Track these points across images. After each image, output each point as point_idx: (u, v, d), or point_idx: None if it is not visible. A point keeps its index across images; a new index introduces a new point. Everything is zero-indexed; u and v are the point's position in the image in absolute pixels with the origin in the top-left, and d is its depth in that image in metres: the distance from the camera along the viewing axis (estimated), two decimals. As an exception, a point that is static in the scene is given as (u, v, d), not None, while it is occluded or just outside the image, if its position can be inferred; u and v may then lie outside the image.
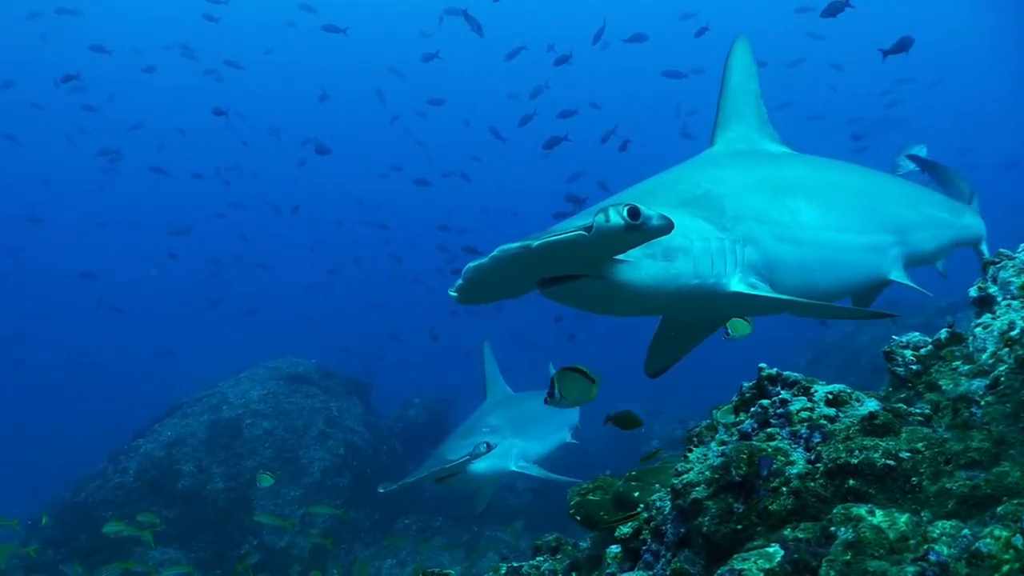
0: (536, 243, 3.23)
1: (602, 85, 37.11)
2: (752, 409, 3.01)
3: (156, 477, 12.50)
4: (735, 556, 2.29)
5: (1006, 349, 2.81)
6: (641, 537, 3.23)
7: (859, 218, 4.81)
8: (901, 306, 16.78)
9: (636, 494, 3.65)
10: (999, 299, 3.34)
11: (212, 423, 13.33)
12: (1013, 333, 2.87)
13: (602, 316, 3.97)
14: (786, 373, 3.07)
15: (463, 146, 34.88)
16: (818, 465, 2.49)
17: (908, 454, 2.37)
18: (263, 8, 44.43)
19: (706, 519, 2.60)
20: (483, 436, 8.55)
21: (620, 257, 3.43)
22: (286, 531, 11.48)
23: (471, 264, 3.39)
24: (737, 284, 3.89)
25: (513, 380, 10.81)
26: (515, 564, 4.27)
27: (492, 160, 35.06)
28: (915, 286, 5.09)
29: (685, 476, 2.84)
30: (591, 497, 3.89)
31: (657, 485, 3.58)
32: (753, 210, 4.20)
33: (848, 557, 2.00)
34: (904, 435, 2.45)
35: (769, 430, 2.81)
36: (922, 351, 3.31)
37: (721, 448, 2.93)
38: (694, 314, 4.35)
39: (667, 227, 3.24)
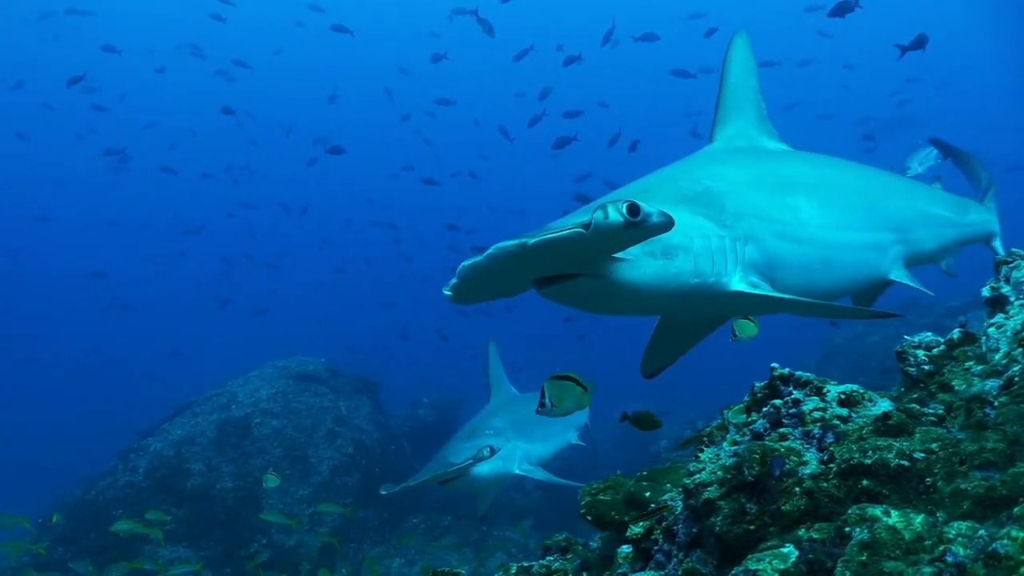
0: (532, 241, 3.14)
1: (610, 85, 37.10)
2: (764, 409, 3.00)
3: (166, 476, 12.55)
4: (749, 556, 2.28)
5: (1020, 349, 2.79)
6: (653, 537, 3.23)
7: (859, 216, 4.75)
8: (911, 306, 16.79)
9: (647, 494, 3.63)
10: (1012, 299, 3.33)
11: (221, 422, 13.37)
12: (1027, 333, 2.85)
13: (611, 316, 3.94)
14: (798, 373, 3.06)
15: (471, 145, 34.94)
16: (831, 465, 2.48)
17: (922, 455, 2.36)
18: (272, 8, 44.55)
19: (718, 519, 2.59)
20: (486, 439, 8.46)
21: (619, 255, 3.36)
22: (295, 529, 11.50)
23: (466, 263, 3.31)
24: (738, 283, 3.83)
25: (521, 381, 10.76)
26: (525, 564, 4.26)
27: (500, 159, 35.12)
28: (916, 286, 5.02)
29: (697, 476, 2.83)
30: (602, 497, 3.88)
31: (668, 485, 3.57)
32: (754, 207, 4.14)
33: (864, 558, 1.99)
34: (918, 435, 2.44)
35: (782, 430, 2.79)
36: (934, 351, 3.30)
37: (733, 448, 2.92)
38: (693, 314, 4.29)
39: (667, 224, 3.16)
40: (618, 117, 24.29)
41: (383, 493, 8.27)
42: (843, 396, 2.81)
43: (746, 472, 2.58)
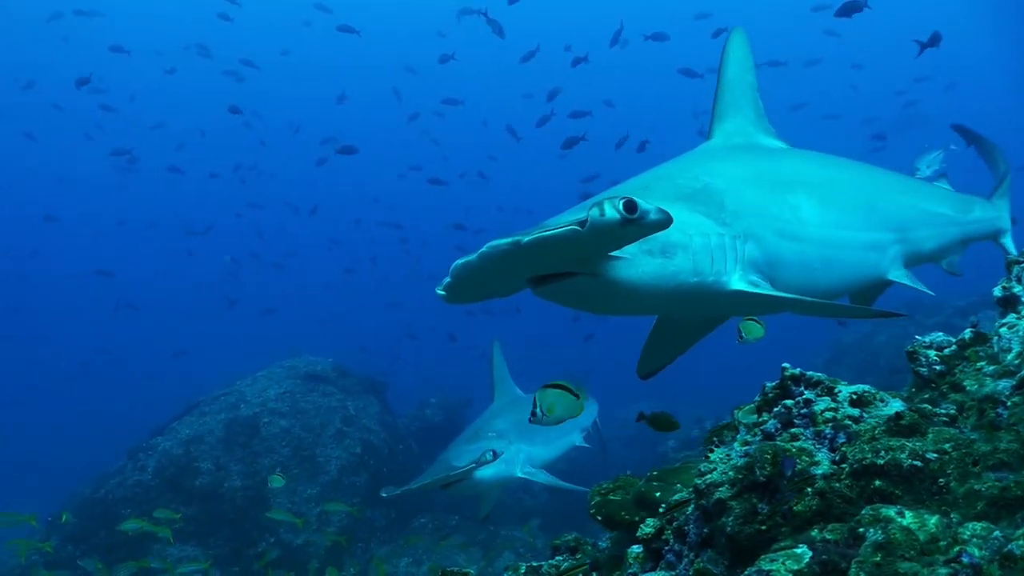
0: (527, 239, 3.05)
1: (617, 85, 37.06)
2: (775, 409, 2.99)
3: (174, 475, 12.58)
4: (763, 557, 2.28)
5: (1033, 350, 2.79)
6: (663, 537, 3.23)
7: (859, 215, 4.69)
8: (919, 306, 16.74)
9: (658, 494, 3.63)
10: (1024, 299, 3.31)
11: (230, 421, 13.39)
12: (1040, 333, 2.84)
13: (608, 316, 3.89)
14: (809, 373, 3.05)
15: (479, 145, 34.93)
16: (843, 466, 2.47)
17: (935, 455, 2.35)
18: (279, 8, 44.65)
19: (730, 519, 2.59)
20: (489, 441, 8.40)
21: (615, 254, 3.27)
22: (303, 529, 11.52)
23: (459, 261, 3.24)
24: (738, 282, 3.75)
25: (528, 381, 10.71)
26: (535, 563, 4.26)
27: (508, 160, 35.10)
28: (916, 286, 4.95)
29: (708, 476, 2.83)
30: (612, 497, 3.88)
31: (679, 485, 3.57)
32: (753, 205, 4.08)
33: (878, 559, 1.99)
34: (930, 436, 2.43)
35: (793, 430, 2.79)
36: (946, 351, 3.28)
37: (744, 448, 2.91)
38: (692, 313, 4.23)
39: (665, 221, 3.07)
40: (625, 117, 24.27)
41: (384, 495, 8.23)
42: (855, 396, 2.81)
43: (758, 472, 2.58)
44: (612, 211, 2.95)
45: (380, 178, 42.16)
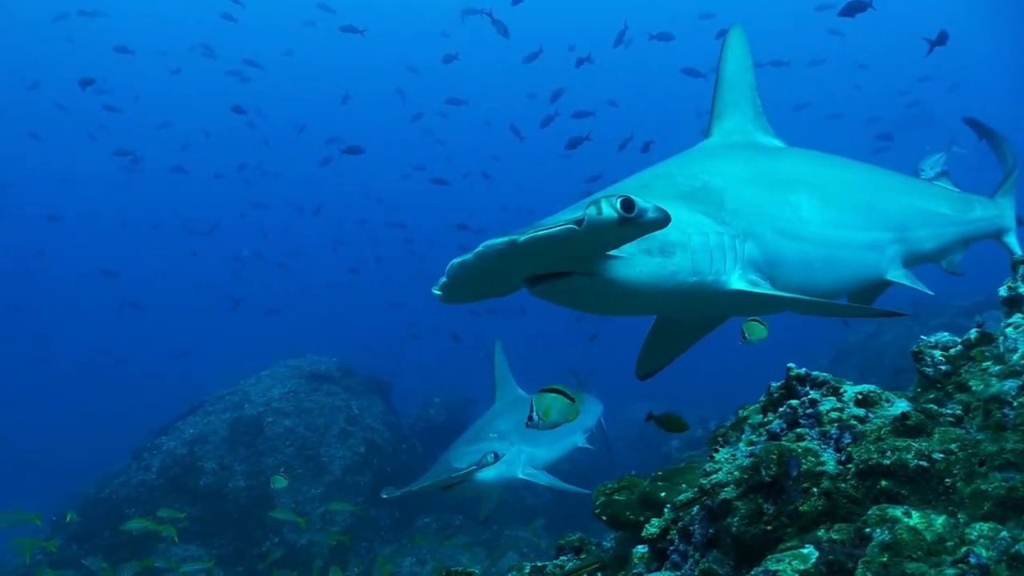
0: (523, 238, 3.01)
1: (621, 85, 37.04)
2: (781, 409, 2.98)
3: (178, 474, 12.60)
4: (769, 557, 2.27)
5: (1039, 350, 2.78)
6: (668, 537, 3.22)
7: (858, 214, 4.64)
8: (923, 306, 16.73)
9: (663, 494, 3.62)
10: (1031, 299, 3.30)
11: (234, 421, 13.41)
12: (1047, 334, 2.84)
13: (607, 316, 3.87)
14: (815, 373, 3.04)
15: (482, 145, 34.97)
16: (849, 466, 2.46)
17: (941, 455, 2.34)
18: (282, 8, 44.68)
19: (735, 519, 2.58)
20: (490, 443, 8.36)
21: (613, 253, 3.22)
22: (307, 528, 11.53)
23: (455, 261, 3.21)
24: (737, 281, 3.71)
25: (531, 382, 10.67)
26: (539, 563, 4.25)
27: (512, 159, 35.11)
28: (915, 286, 4.91)
29: (713, 476, 2.82)
30: (617, 497, 3.87)
31: (684, 485, 3.56)
32: (753, 204, 4.03)
33: (885, 559, 1.98)
34: (936, 436, 2.42)
35: (798, 430, 2.78)
36: (951, 351, 3.26)
37: (750, 448, 2.91)
38: (691, 313, 4.19)
39: (664, 220, 3.03)
40: (629, 117, 24.29)
41: (385, 497, 8.21)
42: (860, 396, 2.80)
43: (763, 472, 2.57)
44: (609, 210, 2.91)
45: (384, 178, 42.20)
